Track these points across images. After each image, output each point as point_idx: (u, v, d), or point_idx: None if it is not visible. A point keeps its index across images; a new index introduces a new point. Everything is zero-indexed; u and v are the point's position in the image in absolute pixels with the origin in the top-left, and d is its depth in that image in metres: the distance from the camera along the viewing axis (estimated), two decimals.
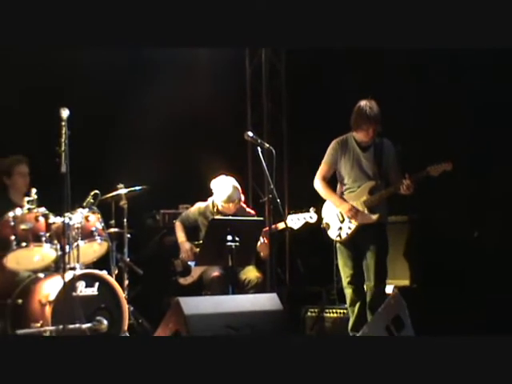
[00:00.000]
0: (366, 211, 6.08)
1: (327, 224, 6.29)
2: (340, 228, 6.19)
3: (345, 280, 6.25)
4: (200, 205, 6.75)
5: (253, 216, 6.67)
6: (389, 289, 6.37)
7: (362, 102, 6.06)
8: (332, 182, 6.34)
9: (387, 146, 6.19)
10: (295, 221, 6.44)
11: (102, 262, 6.26)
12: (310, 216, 6.42)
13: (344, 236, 6.17)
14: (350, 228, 6.14)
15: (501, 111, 6.87)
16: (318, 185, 6.27)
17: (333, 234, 6.25)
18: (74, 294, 5.58)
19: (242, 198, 6.67)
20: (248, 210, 6.81)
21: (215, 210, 6.61)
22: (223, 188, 6.52)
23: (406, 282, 6.94)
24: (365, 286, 6.19)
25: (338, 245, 6.27)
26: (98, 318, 5.69)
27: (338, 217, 6.21)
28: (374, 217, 6.08)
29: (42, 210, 5.88)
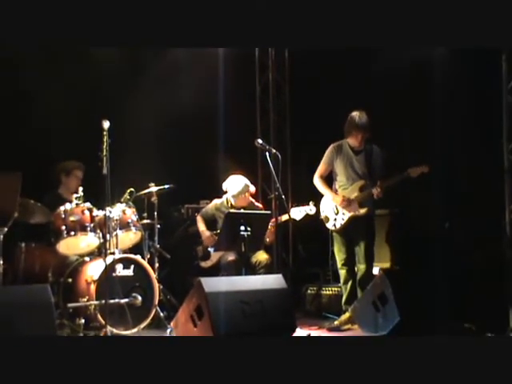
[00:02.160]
0: (356, 205, 6.11)
1: (326, 217, 6.31)
2: (335, 219, 6.22)
3: (339, 263, 6.27)
4: (216, 201, 6.77)
5: (261, 209, 6.67)
6: (375, 270, 6.40)
7: (354, 113, 6.09)
8: (329, 181, 6.38)
9: (376, 151, 6.21)
10: (297, 213, 6.45)
11: (136, 248, 6.28)
12: (310, 209, 6.42)
13: (338, 226, 6.20)
14: (343, 219, 6.17)
15: (472, 109, 6.85)
16: (317, 181, 6.30)
17: (329, 224, 6.28)
18: (113, 274, 5.66)
19: (253, 188, 6.69)
20: (257, 204, 6.82)
21: (229, 205, 6.63)
22: (235, 184, 6.55)
23: (387, 265, 6.95)
24: (356, 268, 6.22)
25: (333, 233, 6.30)
26: (134, 294, 5.72)
27: (333, 210, 6.23)
28: (363, 210, 6.11)
29: (88, 204, 5.93)
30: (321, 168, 6.31)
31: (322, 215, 6.34)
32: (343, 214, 6.16)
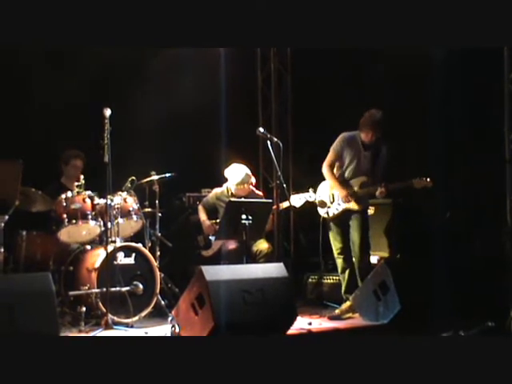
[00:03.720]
0: (352, 201, 6.10)
1: (322, 201, 6.29)
2: (328, 207, 6.21)
3: (335, 252, 6.26)
4: (217, 190, 6.76)
5: (262, 198, 6.65)
6: (373, 259, 6.39)
7: (373, 110, 6.06)
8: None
9: (383, 151, 6.18)
10: (297, 200, 6.43)
11: (137, 237, 6.27)
12: (310, 195, 6.41)
13: (330, 215, 6.20)
14: (337, 209, 6.17)
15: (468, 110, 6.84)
16: (326, 170, 6.22)
17: (322, 211, 6.27)
18: (115, 262, 5.65)
19: (254, 180, 6.68)
20: (258, 192, 6.81)
21: (230, 193, 6.61)
22: (236, 173, 6.54)
23: (385, 254, 6.94)
24: (353, 257, 6.21)
25: (328, 222, 6.27)
26: (135, 282, 5.71)
27: (329, 198, 6.22)
28: (357, 207, 6.10)
29: (89, 192, 5.92)
30: (330, 156, 6.22)
31: (318, 199, 6.32)
32: (338, 204, 6.15)
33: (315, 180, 6.35)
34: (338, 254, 6.21)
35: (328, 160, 6.24)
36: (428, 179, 5.90)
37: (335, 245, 6.24)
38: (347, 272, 6.16)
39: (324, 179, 6.28)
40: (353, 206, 6.09)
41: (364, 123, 6.08)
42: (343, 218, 6.15)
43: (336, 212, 6.16)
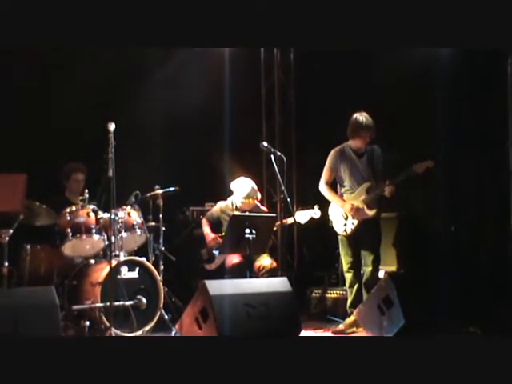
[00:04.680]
0: (365, 208, 6.09)
1: (331, 222, 6.30)
2: (345, 224, 6.19)
3: (345, 266, 6.24)
4: (221, 204, 6.78)
5: (266, 212, 6.67)
6: (380, 273, 6.39)
7: (356, 114, 6.08)
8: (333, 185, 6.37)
9: (377, 151, 6.20)
10: (302, 216, 6.45)
11: (141, 251, 6.29)
12: (315, 212, 6.43)
13: (349, 231, 6.16)
14: (353, 224, 6.13)
15: (473, 113, 6.84)
16: (323, 188, 6.27)
17: (339, 229, 6.24)
18: (118, 276, 5.67)
19: (259, 195, 6.70)
20: (262, 207, 6.82)
21: (234, 207, 6.63)
22: (243, 187, 6.56)
23: (393, 268, 6.94)
24: (362, 271, 6.21)
25: (340, 237, 6.28)
26: (139, 296, 5.73)
27: (342, 215, 6.21)
28: (372, 212, 6.09)
29: (93, 206, 5.94)
30: (325, 175, 6.27)
31: (331, 223, 6.31)
32: (353, 218, 6.14)
33: (319, 194, 6.36)
34: (349, 268, 6.20)
35: (324, 179, 6.26)
36: (428, 160, 5.83)
37: (346, 259, 6.22)
38: (356, 287, 6.15)
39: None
40: (366, 214, 6.07)
41: (351, 131, 6.10)
42: (359, 232, 6.11)
43: (353, 227, 6.13)
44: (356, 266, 6.18)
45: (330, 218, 6.32)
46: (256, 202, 6.66)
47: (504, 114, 6.43)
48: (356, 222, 6.10)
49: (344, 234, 6.19)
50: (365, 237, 6.12)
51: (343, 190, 6.24)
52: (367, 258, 6.11)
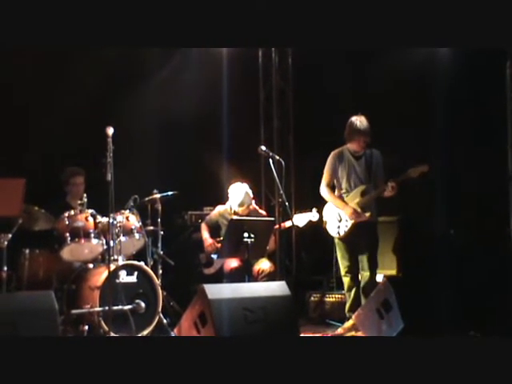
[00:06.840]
0: (359, 211, 6.12)
1: (326, 222, 6.33)
2: (338, 226, 6.23)
3: (343, 270, 6.27)
4: (220, 208, 6.81)
5: (265, 216, 6.70)
6: (379, 277, 6.41)
7: (353, 118, 6.12)
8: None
9: (376, 154, 6.23)
10: (300, 219, 6.48)
11: (140, 255, 6.30)
12: (313, 215, 6.46)
13: (342, 233, 6.20)
14: (346, 226, 6.17)
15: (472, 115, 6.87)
16: (324, 191, 6.30)
17: (333, 231, 6.29)
18: (117, 281, 5.66)
19: (253, 202, 6.72)
20: (260, 211, 6.85)
21: (232, 211, 6.67)
22: (237, 194, 6.58)
23: (393, 272, 6.97)
24: (359, 275, 6.23)
25: (336, 240, 6.31)
26: (137, 301, 5.73)
27: (336, 217, 6.24)
28: (367, 215, 6.12)
29: (91, 211, 5.96)
30: (326, 177, 6.31)
31: (325, 221, 6.35)
32: (346, 220, 6.17)
33: (318, 197, 6.39)
34: (346, 272, 6.23)
35: (324, 181, 6.29)
36: (424, 164, 5.87)
37: (343, 263, 6.25)
38: (353, 290, 6.18)
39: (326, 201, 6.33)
40: (361, 217, 6.09)
41: (351, 133, 6.14)
42: (353, 235, 6.15)
43: (346, 229, 6.17)
44: (353, 270, 6.20)
45: (324, 218, 6.35)
46: (254, 205, 6.69)
47: (503, 115, 6.46)
48: (349, 224, 6.13)
49: (337, 236, 6.23)
50: (361, 241, 6.15)
51: (340, 192, 6.27)
52: (364, 263, 6.14)
